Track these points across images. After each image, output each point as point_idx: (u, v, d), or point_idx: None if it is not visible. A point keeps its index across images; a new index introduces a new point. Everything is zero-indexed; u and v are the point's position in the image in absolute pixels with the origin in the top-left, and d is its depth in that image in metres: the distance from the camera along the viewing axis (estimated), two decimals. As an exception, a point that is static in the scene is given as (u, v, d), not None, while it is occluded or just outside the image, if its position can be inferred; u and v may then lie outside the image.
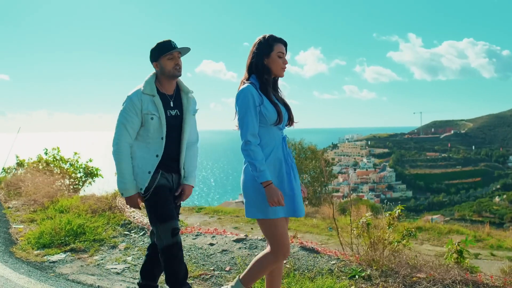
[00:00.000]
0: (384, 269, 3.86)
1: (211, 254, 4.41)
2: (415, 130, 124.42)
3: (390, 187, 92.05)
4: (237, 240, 4.66)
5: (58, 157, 8.31)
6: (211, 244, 4.64)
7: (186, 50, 2.91)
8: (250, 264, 2.71)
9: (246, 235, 4.82)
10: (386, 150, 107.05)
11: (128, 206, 5.85)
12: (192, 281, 3.82)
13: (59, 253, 4.53)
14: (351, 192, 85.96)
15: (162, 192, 2.84)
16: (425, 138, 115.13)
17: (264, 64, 2.64)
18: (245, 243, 4.61)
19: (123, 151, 2.81)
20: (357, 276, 3.79)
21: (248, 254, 4.37)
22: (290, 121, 2.74)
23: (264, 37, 2.68)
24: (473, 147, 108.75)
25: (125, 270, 4.14)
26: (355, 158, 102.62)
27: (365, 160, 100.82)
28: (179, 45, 2.89)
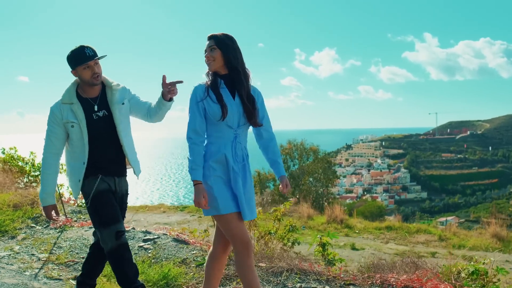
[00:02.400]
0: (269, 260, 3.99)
1: (90, 244, 4.49)
2: (431, 131, 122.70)
3: (405, 188, 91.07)
4: (145, 240, 4.60)
5: (15, 156, 8.45)
6: None
7: (100, 58, 2.84)
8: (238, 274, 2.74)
9: (158, 236, 4.75)
10: (400, 151, 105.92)
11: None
12: (57, 267, 4.06)
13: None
14: (365, 192, 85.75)
15: (103, 197, 2.81)
16: (441, 139, 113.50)
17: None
18: (130, 235, 4.72)
19: (46, 162, 2.82)
20: (204, 264, 3.90)
21: (135, 253, 4.43)
22: (251, 121, 2.62)
23: None
24: (490, 148, 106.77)
25: (4, 257, 4.30)
26: (369, 159, 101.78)
27: (379, 161, 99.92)
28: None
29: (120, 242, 2.77)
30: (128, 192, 3.06)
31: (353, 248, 10.05)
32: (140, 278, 3.55)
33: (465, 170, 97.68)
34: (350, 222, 13.13)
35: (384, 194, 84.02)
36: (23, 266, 4.04)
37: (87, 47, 2.79)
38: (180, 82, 2.84)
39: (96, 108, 2.86)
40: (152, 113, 2.99)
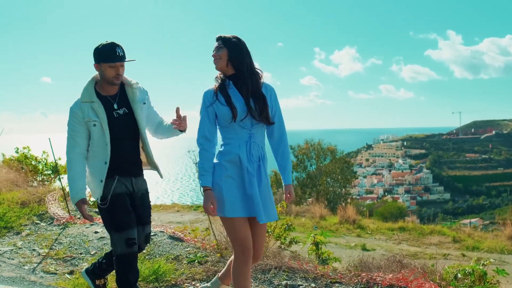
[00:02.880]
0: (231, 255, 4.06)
1: (89, 240, 4.72)
2: (454, 131, 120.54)
3: (427, 189, 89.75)
4: None
5: (28, 156, 8.68)
6: (96, 232, 4.93)
7: (129, 61, 2.82)
8: (227, 263, 2.74)
9: (155, 233, 4.83)
10: (423, 151, 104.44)
11: (51, 200, 6.09)
12: (55, 262, 4.18)
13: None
14: (386, 193, 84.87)
15: (119, 200, 2.78)
16: (465, 139, 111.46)
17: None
18: None
19: (71, 161, 2.76)
20: (196, 261, 4.04)
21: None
22: (264, 119, 2.57)
23: None
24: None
25: (6, 252, 4.46)
26: (390, 159, 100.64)
27: (400, 161, 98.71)
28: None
29: (131, 251, 2.76)
30: (148, 191, 3.00)
31: (364, 248, 10.01)
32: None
33: (490, 171, 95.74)
34: (362, 222, 13.08)
35: (405, 195, 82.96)
36: (23, 260, 4.20)
37: (118, 46, 2.75)
38: (185, 116, 2.95)
39: (116, 106, 2.83)
40: (160, 132, 3.03)
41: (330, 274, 3.68)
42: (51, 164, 8.39)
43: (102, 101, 2.80)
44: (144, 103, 2.91)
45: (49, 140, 6.28)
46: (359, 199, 67.71)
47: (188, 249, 4.34)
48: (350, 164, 35.89)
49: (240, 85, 2.58)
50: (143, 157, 2.97)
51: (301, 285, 3.50)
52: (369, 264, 3.86)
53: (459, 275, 4.12)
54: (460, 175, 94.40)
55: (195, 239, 4.57)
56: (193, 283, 3.59)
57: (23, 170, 8.31)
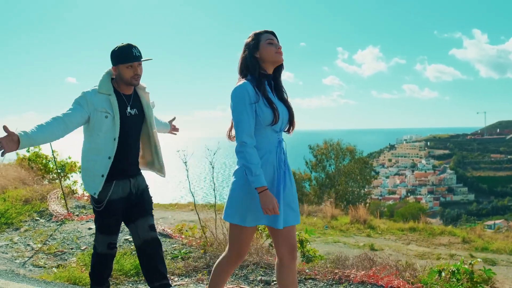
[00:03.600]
0: (215, 252, 4.21)
1: (81, 236, 4.88)
2: (479, 131, 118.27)
3: (451, 190, 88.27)
4: None
5: (39, 154, 8.95)
6: (89, 229, 5.09)
7: (146, 60, 2.80)
8: (212, 271, 2.60)
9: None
10: (446, 152, 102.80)
11: (53, 198, 6.27)
12: (46, 256, 4.35)
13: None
14: (408, 194, 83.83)
15: (112, 207, 2.77)
16: (490, 139, 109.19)
17: (256, 58, 2.44)
18: None
19: (53, 118, 2.60)
20: (179, 257, 4.18)
21: (119, 245, 4.65)
22: (291, 125, 2.53)
23: (249, 36, 2.52)
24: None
25: (2, 246, 4.64)
26: (413, 160, 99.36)
27: (424, 161, 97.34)
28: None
29: (110, 252, 2.91)
30: (148, 187, 2.98)
31: (372, 248, 10.01)
32: (114, 268, 3.80)
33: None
34: (373, 222, 13.05)
35: (428, 196, 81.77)
36: (16, 254, 4.38)
37: (135, 47, 2.76)
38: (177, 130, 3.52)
39: (129, 105, 2.83)
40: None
41: (307, 270, 3.74)
42: (61, 163, 8.63)
43: (118, 97, 2.79)
44: (153, 107, 2.96)
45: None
46: (381, 200, 67.15)
47: (175, 245, 4.46)
48: (369, 164, 35.66)
49: (277, 86, 2.52)
50: (145, 160, 2.99)
51: (275, 280, 3.57)
52: (344, 261, 3.90)
53: (443, 274, 4.14)
54: (485, 176, 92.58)
55: (183, 236, 4.68)
56: (172, 277, 3.70)
57: (33, 169, 8.58)
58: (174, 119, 3.51)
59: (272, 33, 2.49)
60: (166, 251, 4.30)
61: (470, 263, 4.37)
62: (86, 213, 5.91)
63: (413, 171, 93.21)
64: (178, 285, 3.54)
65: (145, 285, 3.51)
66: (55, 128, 2.57)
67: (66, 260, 4.24)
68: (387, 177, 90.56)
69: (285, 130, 2.53)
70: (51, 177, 9.01)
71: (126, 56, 2.71)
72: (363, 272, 3.54)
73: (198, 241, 4.47)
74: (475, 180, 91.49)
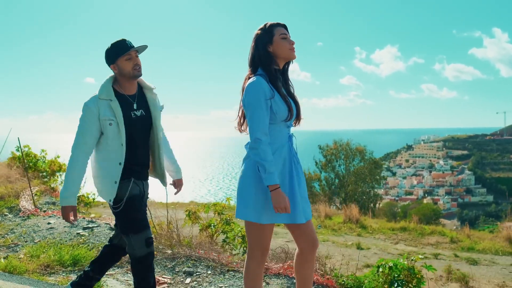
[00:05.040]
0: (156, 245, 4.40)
1: (39, 230, 5.09)
2: (498, 131, 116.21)
3: (469, 191, 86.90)
4: (85, 228, 5.12)
5: (29, 153, 9.30)
6: (48, 223, 5.31)
7: (143, 48, 2.76)
8: (244, 279, 2.54)
9: (98, 225, 5.22)
10: (465, 152, 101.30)
11: (25, 195, 6.57)
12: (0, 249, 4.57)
13: None
14: (426, 194, 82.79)
15: (135, 202, 2.73)
16: (509, 140, 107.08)
17: (269, 52, 2.42)
18: (74, 224, 5.21)
19: (75, 160, 2.63)
20: None
21: (64, 231, 4.99)
22: (298, 119, 2.54)
23: (260, 28, 2.48)
24: None
25: None
26: (430, 160, 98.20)
27: (441, 162, 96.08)
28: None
29: (150, 250, 2.72)
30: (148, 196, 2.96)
31: (359, 247, 10.14)
32: (54, 259, 4.04)
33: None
34: (366, 222, 13.15)
35: (446, 197, 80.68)
36: (-28, 247, 4.67)
37: (127, 39, 2.73)
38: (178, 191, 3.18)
39: (135, 106, 2.76)
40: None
41: (235, 263, 3.93)
42: (50, 161, 8.98)
43: (121, 100, 2.72)
44: (161, 110, 2.90)
45: (18, 139, 6.78)
46: (397, 200, 66.62)
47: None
48: (379, 165, 35.51)
49: (284, 79, 2.53)
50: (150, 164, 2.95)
51: (199, 272, 3.77)
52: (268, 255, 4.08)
53: (380, 269, 4.28)
54: (504, 177, 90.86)
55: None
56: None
57: (21, 167, 8.91)
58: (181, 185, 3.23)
59: (285, 27, 2.47)
60: (111, 244, 4.54)
61: (412, 259, 4.50)
62: (53, 209, 6.20)
63: (430, 171, 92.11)
64: (107, 274, 3.77)
65: (77, 274, 3.74)
66: (85, 166, 2.69)
67: (17, 252, 4.49)
68: (404, 178, 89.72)
69: (293, 123, 2.54)
70: (40, 175, 9.36)
71: (122, 48, 2.68)
72: (280, 265, 3.72)
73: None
74: (494, 181, 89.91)
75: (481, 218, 62.12)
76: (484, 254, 10.01)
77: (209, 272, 3.76)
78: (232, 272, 3.74)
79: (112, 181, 2.67)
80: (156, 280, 3.60)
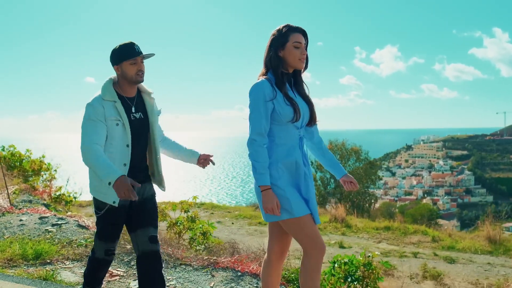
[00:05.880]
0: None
1: (10, 227, 5.24)
2: (498, 131, 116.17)
3: (468, 191, 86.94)
4: (41, 218, 5.44)
5: (14, 153, 9.50)
6: (20, 220, 5.47)
7: (149, 56, 2.76)
8: (300, 280, 2.49)
9: (67, 222, 5.40)
10: (465, 152, 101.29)
11: (3, 193, 6.73)
12: None
13: None
14: (425, 195, 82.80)
15: (114, 214, 2.72)
16: (509, 140, 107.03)
17: (279, 57, 2.47)
18: (45, 220, 5.41)
19: (95, 149, 2.53)
20: (83, 245, 4.56)
21: (34, 228, 5.16)
22: (312, 120, 2.58)
23: (278, 29, 2.50)
24: None
25: None
26: (430, 160, 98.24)
27: (441, 162, 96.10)
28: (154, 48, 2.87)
29: (107, 259, 2.85)
30: (155, 195, 2.90)
31: (341, 246, 10.32)
32: (18, 253, 4.24)
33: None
34: (351, 221, 13.30)
35: (445, 197, 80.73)
36: None
37: (136, 44, 2.74)
38: (213, 163, 2.99)
39: (133, 109, 2.77)
40: (166, 147, 3.01)
41: (187, 257, 4.11)
42: (31, 161, 9.19)
43: (121, 101, 2.73)
44: (158, 116, 2.91)
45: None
46: (397, 201, 66.63)
47: (86, 235, 4.88)
48: (375, 165, 35.64)
49: (298, 84, 2.56)
50: (149, 168, 2.91)
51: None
52: (219, 250, 4.27)
53: (336, 265, 4.45)
54: (504, 177, 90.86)
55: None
56: (64, 261, 4.12)
57: (3, 166, 9.10)
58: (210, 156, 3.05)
59: (303, 33, 2.49)
60: (77, 239, 4.72)
61: (369, 256, 4.67)
62: (29, 206, 6.40)
63: (430, 172, 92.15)
64: (65, 267, 3.96)
65: (35, 268, 3.94)
66: (103, 153, 2.58)
67: (-13, 246, 4.68)
68: (404, 178, 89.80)
69: (306, 124, 2.57)
70: (26, 174, 9.57)
71: (129, 52, 2.68)
72: (229, 259, 3.91)
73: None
74: (493, 181, 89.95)
75: (481, 219, 62.18)
76: (463, 253, 10.16)
77: (163, 266, 3.94)
78: (183, 266, 3.93)
79: None
80: (110, 272, 3.79)
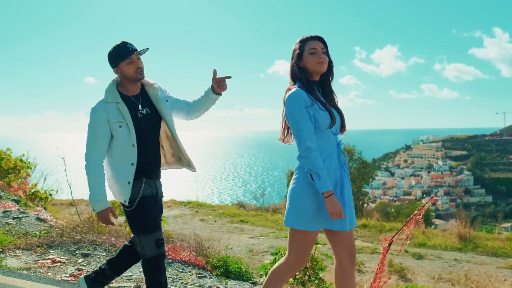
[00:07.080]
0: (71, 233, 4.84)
1: None
2: (498, 132, 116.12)
3: (468, 192, 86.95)
4: (5, 211, 5.73)
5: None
6: None
7: (144, 51, 2.77)
8: (268, 273, 2.61)
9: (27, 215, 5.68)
10: (464, 152, 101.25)
11: None
12: None
13: None
14: (424, 195, 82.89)
15: (147, 203, 2.75)
16: (509, 140, 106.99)
17: (301, 67, 2.53)
18: (7, 214, 5.68)
19: (93, 165, 2.68)
20: (38, 236, 4.76)
21: None
22: (342, 127, 2.58)
23: (296, 42, 2.59)
24: None
25: None
26: (429, 160, 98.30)
27: (440, 162, 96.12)
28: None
29: (160, 252, 2.76)
30: (163, 195, 2.98)
31: (317, 243, 10.60)
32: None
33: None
34: (332, 221, 13.57)
35: (444, 197, 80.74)
36: None
37: (129, 42, 2.75)
38: (229, 77, 2.90)
39: (140, 106, 2.80)
40: (195, 108, 3.00)
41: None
42: (6, 160, 9.46)
43: (127, 101, 2.77)
44: (167, 101, 2.91)
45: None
46: (396, 201, 66.74)
47: (43, 227, 5.19)
48: (368, 165, 35.89)
49: (328, 91, 2.59)
50: (171, 157, 3.00)
51: (95, 254, 4.27)
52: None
53: (277, 257, 4.74)
54: (504, 178, 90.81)
55: (55, 219, 5.42)
56: (15, 250, 4.42)
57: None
58: (214, 72, 2.96)
59: (318, 39, 2.54)
60: (32, 231, 5.03)
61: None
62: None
63: (429, 172, 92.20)
64: (14, 255, 4.27)
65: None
66: (103, 169, 2.73)
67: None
68: (403, 178, 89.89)
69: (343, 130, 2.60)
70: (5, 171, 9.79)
71: (123, 52, 2.71)
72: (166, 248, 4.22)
73: (63, 222, 5.20)
74: (493, 181, 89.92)
75: (480, 219, 62.26)
76: (434, 250, 10.43)
77: (103, 254, 4.25)
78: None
79: (126, 181, 2.70)
80: (52, 259, 4.10)
